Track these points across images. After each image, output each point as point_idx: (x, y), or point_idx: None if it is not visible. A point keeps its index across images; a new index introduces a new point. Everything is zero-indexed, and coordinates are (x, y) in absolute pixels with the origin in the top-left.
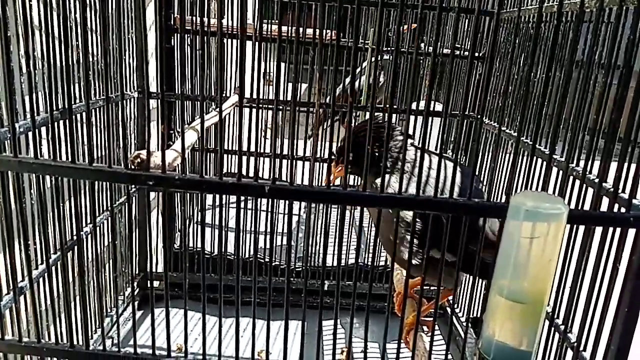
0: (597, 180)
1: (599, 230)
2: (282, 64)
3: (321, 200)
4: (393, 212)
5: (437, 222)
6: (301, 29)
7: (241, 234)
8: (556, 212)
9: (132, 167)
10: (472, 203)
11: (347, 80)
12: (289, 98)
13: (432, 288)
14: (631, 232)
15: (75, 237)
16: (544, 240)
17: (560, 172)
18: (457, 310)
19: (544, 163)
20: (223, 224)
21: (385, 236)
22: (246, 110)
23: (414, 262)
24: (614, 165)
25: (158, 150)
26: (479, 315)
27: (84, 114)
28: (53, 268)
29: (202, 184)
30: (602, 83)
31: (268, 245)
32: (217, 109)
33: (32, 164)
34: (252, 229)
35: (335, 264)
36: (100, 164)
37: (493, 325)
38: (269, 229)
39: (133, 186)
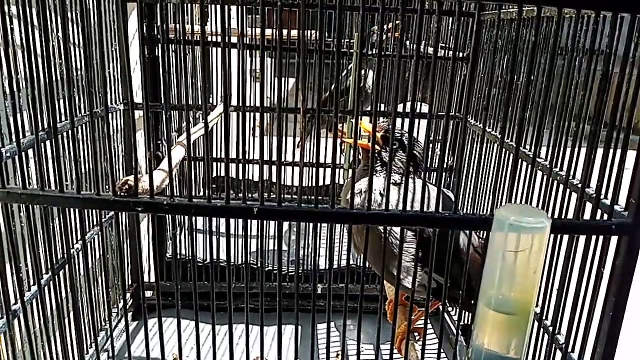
0: (580, 186)
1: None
2: (268, 59)
3: (309, 219)
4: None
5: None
6: (284, 35)
7: (231, 239)
8: (539, 226)
9: (120, 193)
10: (458, 216)
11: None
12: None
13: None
14: (614, 239)
15: (65, 256)
16: (528, 252)
17: (545, 176)
18: (449, 309)
19: (529, 166)
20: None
21: (374, 253)
22: (234, 115)
23: (404, 283)
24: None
25: (146, 172)
26: (468, 323)
27: (69, 132)
28: (45, 288)
29: (190, 208)
30: (583, 85)
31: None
32: (203, 121)
33: (20, 195)
34: (243, 234)
35: (327, 266)
36: (88, 192)
37: (482, 335)
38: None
39: None
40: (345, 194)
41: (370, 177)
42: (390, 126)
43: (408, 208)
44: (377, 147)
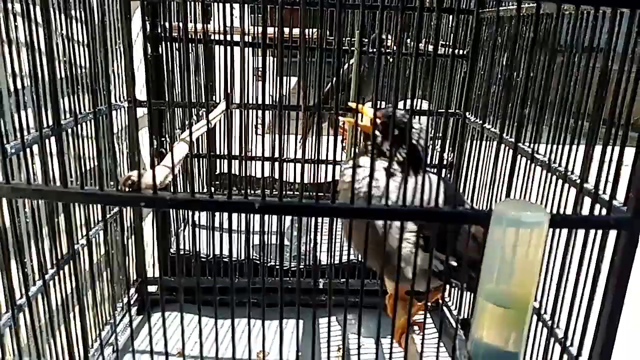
0: (578, 181)
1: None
2: (270, 58)
3: (311, 214)
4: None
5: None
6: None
7: (234, 235)
8: (538, 220)
9: (124, 189)
10: (457, 211)
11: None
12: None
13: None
14: (612, 233)
15: (70, 251)
16: (527, 246)
17: (544, 171)
18: (449, 303)
19: (528, 162)
20: (216, 226)
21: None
22: (236, 112)
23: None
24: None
25: (149, 168)
26: (468, 317)
27: (73, 129)
28: (50, 283)
29: (193, 203)
30: (582, 81)
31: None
32: (206, 118)
33: (25, 190)
34: (245, 229)
35: (328, 261)
36: (92, 187)
37: (481, 329)
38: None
39: None
40: (344, 181)
41: (372, 172)
42: (391, 112)
43: (409, 198)
44: (377, 132)
